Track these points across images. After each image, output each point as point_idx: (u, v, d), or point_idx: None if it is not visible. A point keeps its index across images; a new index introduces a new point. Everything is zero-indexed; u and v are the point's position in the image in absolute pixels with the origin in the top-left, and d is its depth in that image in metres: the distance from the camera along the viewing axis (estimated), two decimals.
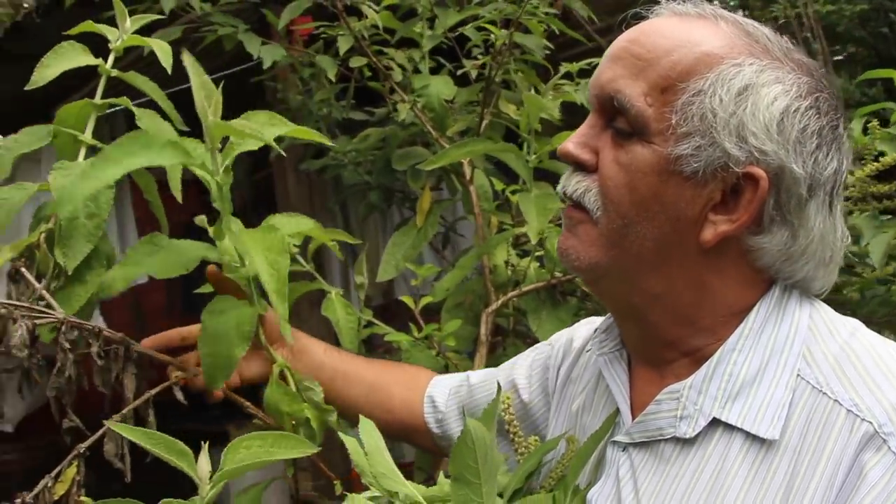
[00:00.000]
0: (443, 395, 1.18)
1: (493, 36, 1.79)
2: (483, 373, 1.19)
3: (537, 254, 1.69)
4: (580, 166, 0.84)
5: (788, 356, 0.79)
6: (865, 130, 1.50)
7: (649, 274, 0.82)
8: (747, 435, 0.77)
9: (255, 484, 1.19)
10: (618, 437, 0.87)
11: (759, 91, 0.77)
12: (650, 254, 0.81)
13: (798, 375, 0.77)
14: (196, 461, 0.86)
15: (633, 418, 0.87)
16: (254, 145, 1.00)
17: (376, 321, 1.66)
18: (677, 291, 0.82)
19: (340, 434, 0.92)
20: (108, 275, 1.02)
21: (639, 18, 0.87)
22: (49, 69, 1.04)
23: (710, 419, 0.79)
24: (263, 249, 0.97)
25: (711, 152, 0.77)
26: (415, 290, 2.49)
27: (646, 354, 0.89)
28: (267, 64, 1.82)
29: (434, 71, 1.98)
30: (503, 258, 1.76)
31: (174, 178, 1.09)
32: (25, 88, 1.03)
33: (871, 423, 0.71)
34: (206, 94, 0.95)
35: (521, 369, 1.12)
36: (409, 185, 1.96)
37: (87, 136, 1.05)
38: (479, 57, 1.93)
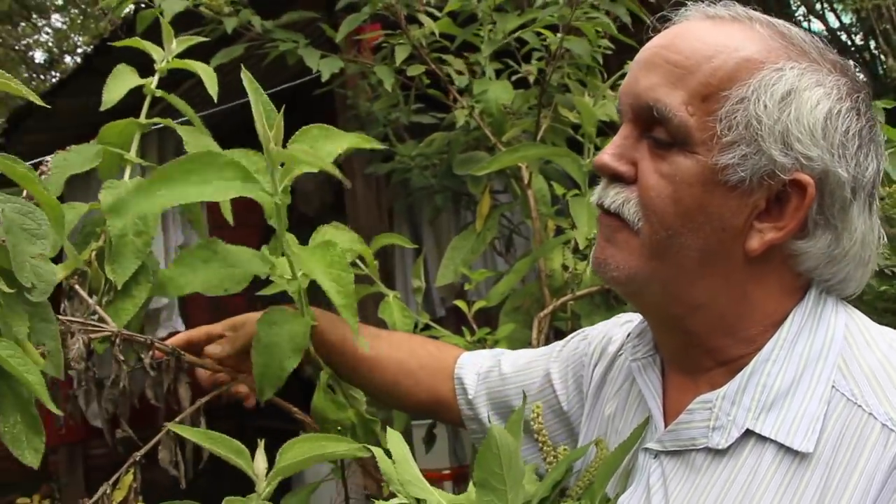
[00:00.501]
0: (472, 379, 1.17)
1: (548, 40, 1.80)
2: (517, 361, 1.16)
3: None
4: (617, 178, 0.82)
5: (823, 367, 0.77)
6: None
7: (692, 285, 0.81)
8: (780, 446, 0.75)
9: (308, 484, 1.23)
10: (649, 445, 0.86)
11: (802, 95, 0.76)
12: (693, 264, 0.80)
13: (833, 387, 0.76)
14: (253, 459, 0.91)
15: (666, 425, 0.86)
16: (313, 167, 1.01)
17: (433, 324, 1.69)
18: (719, 302, 0.81)
19: (369, 447, 0.94)
20: (163, 275, 1.06)
21: (666, 21, 0.85)
22: (113, 92, 1.11)
23: (743, 430, 0.78)
24: (326, 266, 1.00)
25: (758, 160, 0.76)
26: (481, 292, 2.50)
27: (682, 363, 0.88)
28: (325, 77, 1.87)
29: (499, 74, 2.00)
30: (560, 262, 1.76)
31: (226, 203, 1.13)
32: (101, 109, 1.10)
33: None
34: (266, 116, 0.97)
35: (557, 364, 1.10)
36: (470, 189, 1.98)
37: (133, 155, 1.11)
38: (535, 62, 1.94)
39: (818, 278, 0.81)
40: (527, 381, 1.12)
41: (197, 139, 1.10)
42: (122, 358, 0.99)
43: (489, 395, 1.15)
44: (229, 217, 1.12)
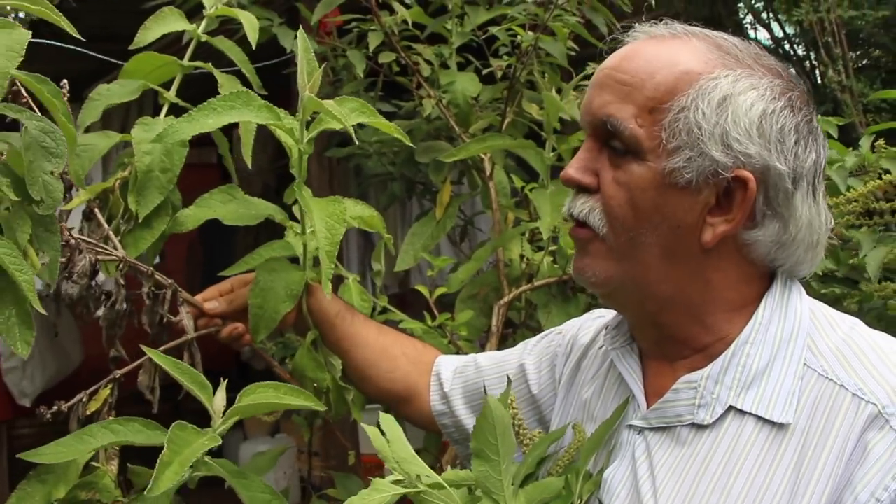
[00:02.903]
0: (448, 373, 1.26)
1: (519, 37, 1.87)
2: (493, 356, 1.26)
3: (551, 249, 1.77)
4: (583, 189, 0.93)
5: (794, 347, 0.88)
6: (873, 148, 1.57)
7: (659, 280, 0.91)
8: (758, 419, 0.85)
9: (268, 450, 1.29)
10: (634, 422, 0.95)
11: (737, 99, 0.86)
12: (657, 261, 0.90)
13: (805, 364, 0.86)
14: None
15: (648, 405, 0.95)
16: (337, 125, 1.10)
17: (391, 308, 1.74)
18: (686, 293, 0.91)
19: (362, 424, 1.00)
20: (182, 213, 1.15)
21: (618, 43, 0.96)
22: (150, 31, 1.18)
23: (726, 407, 0.87)
24: (326, 215, 1.09)
25: (701, 162, 0.86)
26: (430, 281, 2.57)
27: (659, 352, 0.98)
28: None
29: (462, 68, 2.07)
30: (518, 252, 1.84)
31: (247, 144, 1.22)
32: (129, 48, 1.16)
33: (874, 404, 0.80)
34: (308, 70, 1.07)
35: (532, 356, 1.20)
36: (431, 178, 2.04)
37: (172, 95, 1.19)
38: (505, 57, 2.01)
39: (775, 265, 0.92)
40: (502, 372, 1.20)
41: (233, 85, 1.18)
42: (122, 282, 1.07)
43: (465, 388, 1.23)
44: (248, 156, 1.19)
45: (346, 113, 1.08)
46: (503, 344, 1.78)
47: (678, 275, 0.91)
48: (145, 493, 0.86)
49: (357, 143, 1.05)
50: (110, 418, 1.03)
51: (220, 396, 0.98)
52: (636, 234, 0.89)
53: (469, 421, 1.22)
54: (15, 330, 0.85)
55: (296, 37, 1.99)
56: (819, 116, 1.60)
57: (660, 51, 0.90)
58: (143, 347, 1.02)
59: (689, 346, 0.94)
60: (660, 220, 0.88)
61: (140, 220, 1.09)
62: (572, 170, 0.93)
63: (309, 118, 1.09)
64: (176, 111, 1.15)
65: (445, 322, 1.74)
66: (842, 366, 0.85)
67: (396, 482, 0.91)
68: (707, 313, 0.91)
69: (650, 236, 0.89)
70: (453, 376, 1.25)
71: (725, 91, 0.86)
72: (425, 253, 1.91)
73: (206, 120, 1.00)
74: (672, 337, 0.94)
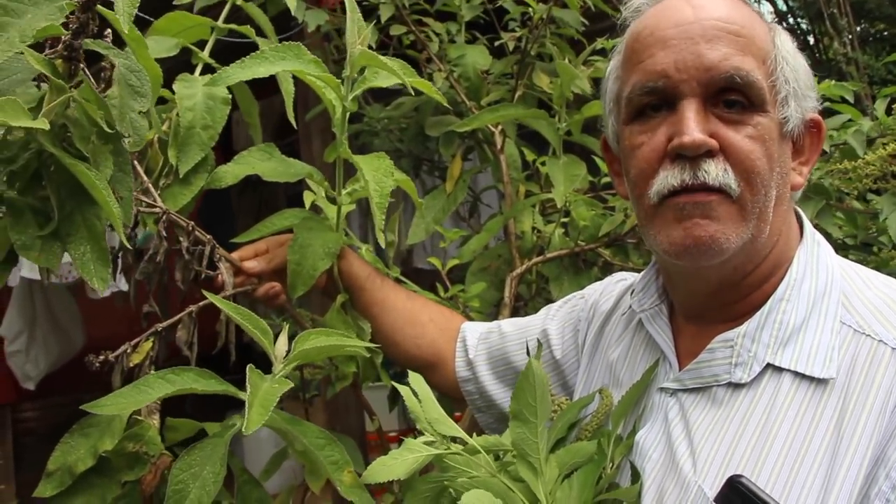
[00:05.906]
0: (473, 339, 1.27)
1: (531, 9, 1.86)
2: (516, 322, 1.26)
3: (563, 221, 1.77)
4: (707, 153, 0.86)
5: (829, 303, 0.88)
6: (889, 111, 1.56)
7: (769, 234, 0.90)
8: (795, 376, 0.85)
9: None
10: (666, 384, 0.94)
11: (792, 48, 0.91)
12: (770, 212, 0.89)
13: (840, 321, 0.86)
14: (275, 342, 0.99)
15: (680, 367, 0.95)
16: (385, 82, 1.12)
17: (404, 279, 1.74)
18: (777, 247, 0.91)
19: (394, 383, 1.00)
20: (220, 169, 1.17)
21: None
22: None
23: (763, 365, 0.87)
24: (373, 170, 1.11)
25: (799, 109, 0.91)
26: (440, 256, 2.57)
27: (695, 315, 0.97)
28: (311, 28, 1.91)
29: (469, 43, 2.05)
30: (530, 224, 1.84)
31: (289, 105, 1.23)
32: (174, 3, 1.19)
33: None
34: (358, 27, 1.08)
35: (555, 322, 1.20)
36: (441, 152, 2.04)
37: (205, 55, 1.20)
38: (517, 29, 2.00)
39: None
40: (525, 338, 1.20)
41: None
42: (164, 234, 1.07)
43: (489, 354, 1.24)
44: (291, 110, 1.21)
45: (395, 67, 1.09)
46: (515, 316, 1.77)
47: (778, 227, 0.91)
48: (243, 430, 0.87)
49: (414, 94, 1.07)
50: (164, 370, 1.01)
51: (282, 341, 0.99)
52: (768, 187, 0.87)
53: (492, 387, 1.23)
54: (90, 266, 0.84)
55: (307, 8, 2.02)
56: (832, 82, 1.60)
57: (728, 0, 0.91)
58: (205, 292, 1.03)
59: (724, 311, 0.93)
60: (780, 169, 0.89)
61: (181, 177, 1.09)
62: (698, 133, 0.85)
63: (355, 76, 1.10)
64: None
65: (457, 294, 1.74)
66: (878, 321, 0.84)
67: (428, 444, 0.90)
68: (778, 265, 0.91)
69: (773, 188, 0.88)
70: (478, 342, 1.26)
71: (787, 42, 0.91)
72: (437, 225, 1.91)
73: (258, 67, 1.01)
74: (718, 302, 0.93)
